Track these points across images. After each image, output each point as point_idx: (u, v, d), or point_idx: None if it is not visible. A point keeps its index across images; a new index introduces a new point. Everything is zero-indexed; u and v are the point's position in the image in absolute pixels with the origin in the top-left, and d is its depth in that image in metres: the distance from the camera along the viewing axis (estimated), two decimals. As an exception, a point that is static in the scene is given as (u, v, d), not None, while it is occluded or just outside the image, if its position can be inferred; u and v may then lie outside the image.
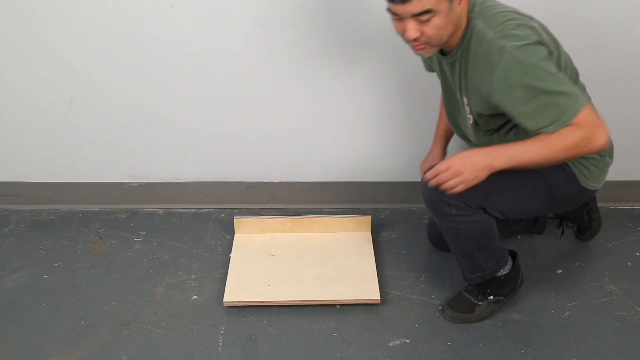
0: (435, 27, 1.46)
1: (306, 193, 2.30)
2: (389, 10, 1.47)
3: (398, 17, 1.47)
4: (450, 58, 1.60)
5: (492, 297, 1.79)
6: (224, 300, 1.85)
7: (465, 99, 1.64)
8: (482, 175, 1.50)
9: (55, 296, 1.91)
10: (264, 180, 2.29)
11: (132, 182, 2.29)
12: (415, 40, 1.48)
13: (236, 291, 1.88)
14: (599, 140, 1.46)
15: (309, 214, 2.23)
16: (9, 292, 1.93)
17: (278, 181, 2.29)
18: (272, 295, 1.87)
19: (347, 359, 1.69)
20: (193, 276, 1.99)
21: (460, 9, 1.49)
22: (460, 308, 1.79)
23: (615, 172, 2.22)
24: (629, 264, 2.01)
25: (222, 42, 2.03)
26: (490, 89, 1.49)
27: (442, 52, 1.63)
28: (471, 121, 1.68)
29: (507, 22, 1.47)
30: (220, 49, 2.05)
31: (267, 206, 2.31)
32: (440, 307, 1.84)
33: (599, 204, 2.26)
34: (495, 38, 1.46)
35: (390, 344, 1.73)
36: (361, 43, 2.01)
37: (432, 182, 1.55)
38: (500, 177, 1.52)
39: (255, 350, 1.72)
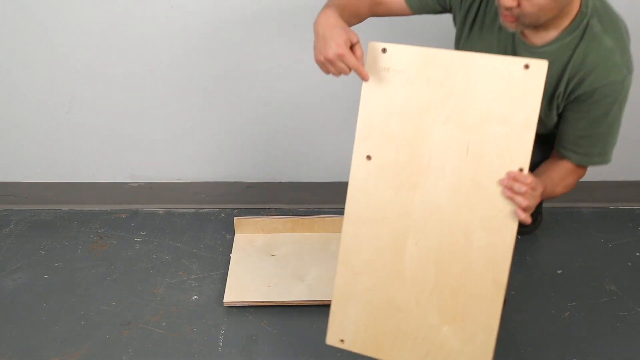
0: (537, 6, 1.26)
1: (306, 193, 2.30)
2: None
3: None
4: (541, 49, 1.40)
5: None
6: (224, 300, 1.85)
7: None
8: None
9: (55, 296, 1.91)
10: (264, 180, 2.29)
11: (132, 182, 2.29)
12: (508, 9, 1.28)
13: (236, 291, 1.88)
14: None
15: (309, 214, 2.23)
16: (9, 292, 1.93)
17: (278, 181, 2.29)
18: (272, 295, 1.87)
19: (347, 359, 1.69)
20: (193, 276, 1.99)
21: None
22: None
23: (615, 172, 2.23)
24: (629, 264, 2.01)
25: (222, 42, 2.03)
26: (580, 95, 1.39)
27: (522, 34, 1.43)
28: None
29: (623, 33, 1.39)
30: (220, 49, 2.05)
31: (267, 206, 2.32)
32: None
33: (599, 204, 2.27)
34: (615, 50, 1.35)
35: (390, 344, 1.73)
36: (361, 42, 2.01)
37: (508, 184, 1.28)
38: None
39: (255, 350, 1.72)
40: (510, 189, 1.26)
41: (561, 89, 1.42)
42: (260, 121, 2.17)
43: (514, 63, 1.24)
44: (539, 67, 1.22)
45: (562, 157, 1.49)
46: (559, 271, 1.98)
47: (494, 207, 1.29)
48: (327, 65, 1.30)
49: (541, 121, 1.46)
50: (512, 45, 1.45)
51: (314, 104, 2.13)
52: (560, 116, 1.48)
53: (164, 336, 1.77)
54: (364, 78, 1.32)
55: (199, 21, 2.00)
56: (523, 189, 1.25)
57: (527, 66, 1.23)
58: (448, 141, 1.30)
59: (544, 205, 2.22)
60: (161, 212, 2.30)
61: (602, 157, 1.47)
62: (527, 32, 1.42)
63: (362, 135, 1.35)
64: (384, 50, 1.30)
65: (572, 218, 2.22)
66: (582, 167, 1.50)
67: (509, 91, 1.24)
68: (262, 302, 1.85)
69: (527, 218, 1.27)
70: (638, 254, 2.05)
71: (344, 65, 1.28)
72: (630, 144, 2.18)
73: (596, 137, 1.43)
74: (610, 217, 2.22)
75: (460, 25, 1.54)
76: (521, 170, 1.27)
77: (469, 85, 1.27)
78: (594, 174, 2.21)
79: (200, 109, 2.15)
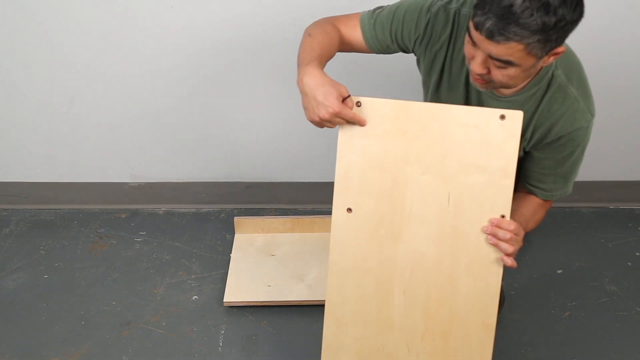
0: (507, 77, 1.27)
1: (306, 193, 2.30)
2: (468, 31, 1.25)
3: (473, 43, 1.26)
4: (508, 98, 1.41)
5: None
6: (224, 300, 1.85)
7: None
8: None
9: (55, 296, 1.91)
10: (264, 180, 2.29)
11: (132, 182, 2.29)
12: (479, 74, 1.29)
13: (236, 291, 1.88)
14: None
15: (309, 214, 2.23)
16: (9, 292, 1.93)
17: (278, 181, 2.29)
18: (272, 295, 1.87)
19: (347, 359, 1.69)
20: (193, 276, 1.99)
21: (543, 66, 1.33)
22: None
23: (615, 172, 2.23)
24: (629, 264, 2.01)
25: (222, 41, 2.03)
26: (548, 142, 1.42)
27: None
28: None
29: (585, 79, 1.42)
30: (220, 49, 2.05)
31: (267, 206, 2.32)
32: None
33: (599, 204, 2.26)
34: (579, 99, 1.39)
35: (390, 344, 1.73)
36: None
37: (492, 231, 1.30)
38: None
39: (255, 350, 1.72)
40: (495, 235, 1.29)
41: (527, 135, 1.44)
42: (260, 121, 2.17)
43: (490, 114, 1.26)
44: (515, 117, 1.25)
45: (529, 192, 1.53)
46: (559, 271, 1.98)
47: (477, 254, 1.32)
48: (324, 124, 1.30)
49: None
50: (480, 94, 1.46)
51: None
52: (525, 153, 1.50)
53: (164, 336, 1.77)
54: (362, 124, 1.31)
55: (199, 21, 2.00)
56: (507, 235, 1.28)
57: (502, 117, 1.26)
58: (428, 191, 1.31)
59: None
60: (161, 212, 2.30)
61: (563, 190, 1.51)
62: None
63: (341, 188, 1.35)
64: (358, 104, 1.30)
65: (572, 218, 2.22)
66: (548, 201, 1.54)
67: (486, 141, 1.27)
68: (262, 302, 1.85)
69: (513, 263, 1.30)
70: (638, 254, 2.05)
71: (340, 119, 1.28)
72: (630, 144, 2.18)
73: (559, 175, 1.48)
74: (610, 217, 2.22)
75: (426, 72, 1.53)
76: (503, 216, 1.29)
77: (446, 136, 1.29)
78: (594, 174, 2.22)
79: (200, 108, 2.15)
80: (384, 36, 1.49)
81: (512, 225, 1.29)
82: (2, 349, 1.73)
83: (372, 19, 1.50)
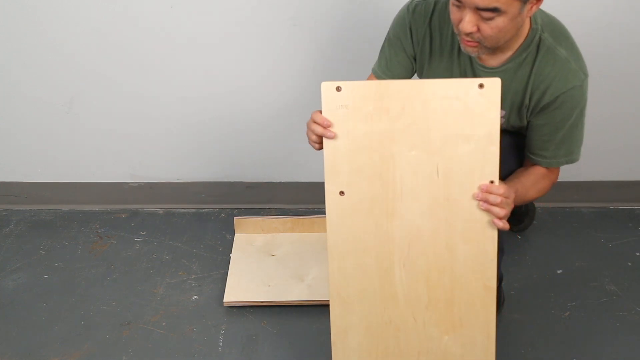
0: (496, 29, 1.32)
1: (306, 193, 2.29)
2: None
3: (458, 4, 1.32)
4: (501, 68, 1.47)
5: None
6: (224, 300, 1.85)
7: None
8: None
9: (55, 296, 1.91)
10: (264, 180, 2.29)
11: (132, 182, 2.29)
12: (468, 34, 1.34)
13: (236, 291, 1.88)
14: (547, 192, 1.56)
15: (309, 214, 2.23)
16: (9, 292, 1.93)
17: (278, 181, 2.29)
18: (272, 295, 1.87)
19: (347, 359, 1.69)
20: (193, 276, 1.99)
21: (529, 15, 1.37)
22: None
23: (615, 172, 2.23)
24: (629, 264, 2.01)
25: (222, 42, 2.04)
26: (545, 105, 1.45)
27: (479, 58, 1.49)
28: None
29: (573, 42, 1.45)
30: (220, 49, 2.05)
31: (267, 206, 2.32)
32: None
33: (599, 204, 2.26)
34: (569, 59, 1.42)
35: (390, 344, 1.73)
36: (361, 43, 2.01)
37: (483, 197, 1.33)
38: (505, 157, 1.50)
39: (255, 350, 1.72)
40: (486, 201, 1.32)
41: (526, 101, 1.48)
42: (261, 121, 2.17)
43: (469, 84, 1.29)
44: (493, 84, 1.28)
45: (533, 163, 1.55)
46: (559, 271, 1.98)
47: (471, 220, 1.35)
48: (310, 137, 1.40)
49: (517, 129, 1.57)
50: (471, 69, 1.51)
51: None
52: (527, 125, 1.54)
53: (164, 336, 1.77)
54: (331, 137, 1.35)
55: (199, 20, 2.00)
56: (498, 199, 1.31)
57: (481, 85, 1.28)
58: (417, 166, 1.34)
59: (543, 205, 2.22)
60: (161, 212, 2.30)
61: (568, 157, 1.52)
62: (484, 55, 1.47)
63: (331, 173, 1.37)
64: (338, 89, 1.32)
65: (572, 218, 2.22)
66: (552, 170, 1.55)
67: (468, 110, 1.30)
68: (262, 302, 1.85)
69: (505, 225, 1.34)
70: (638, 254, 2.05)
71: (314, 124, 1.36)
72: (630, 144, 2.18)
73: (560, 139, 1.49)
74: (610, 217, 2.22)
75: (420, 60, 1.58)
76: (492, 182, 1.33)
77: (428, 111, 1.31)
78: (594, 174, 2.22)
79: (200, 108, 2.15)
80: (394, 65, 1.59)
81: (502, 189, 1.32)
82: (2, 349, 1.73)
83: (379, 61, 1.61)
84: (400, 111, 1.31)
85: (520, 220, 2.10)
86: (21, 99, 2.14)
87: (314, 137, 1.38)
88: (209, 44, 2.04)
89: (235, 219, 2.12)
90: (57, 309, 1.87)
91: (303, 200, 2.31)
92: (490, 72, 1.47)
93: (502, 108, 1.52)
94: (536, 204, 2.16)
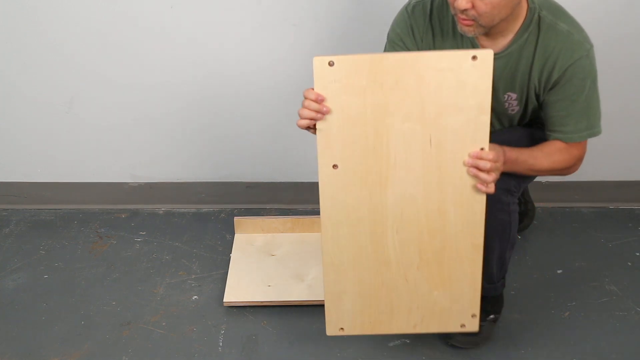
0: (490, 5, 1.35)
1: (306, 193, 2.29)
2: None
3: None
4: (504, 52, 1.50)
5: (492, 315, 1.72)
6: (224, 300, 1.85)
7: (507, 96, 1.57)
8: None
9: (55, 296, 1.91)
10: (264, 180, 2.29)
11: (132, 182, 2.29)
12: (463, 12, 1.36)
13: (236, 291, 1.88)
14: (575, 170, 1.58)
15: (309, 214, 2.23)
16: (9, 292, 1.93)
17: (278, 181, 2.29)
18: (272, 295, 1.87)
19: (347, 359, 1.69)
20: (193, 276, 1.99)
21: None
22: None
23: (615, 172, 2.23)
24: (629, 264, 2.01)
25: (222, 41, 2.04)
26: (555, 80, 1.47)
27: (481, 45, 1.52)
28: (515, 111, 1.61)
29: (572, 16, 1.48)
30: (220, 49, 2.05)
31: (267, 206, 2.32)
32: (443, 337, 1.72)
33: (599, 204, 2.26)
34: (572, 31, 1.45)
35: (390, 344, 1.73)
36: (361, 43, 2.01)
37: (473, 163, 1.37)
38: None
39: (255, 350, 1.72)
40: (476, 167, 1.36)
41: (535, 81, 1.50)
42: (260, 121, 2.17)
43: (462, 56, 1.31)
44: (486, 56, 1.30)
45: (553, 140, 1.55)
46: (559, 271, 1.98)
47: (461, 186, 1.40)
48: (303, 117, 1.35)
49: (532, 116, 1.60)
50: None
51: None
52: (541, 104, 1.55)
53: (164, 336, 1.77)
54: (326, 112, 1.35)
55: (199, 20, 2.00)
56: (488, 165, 1.35)
57: (474, 57, 1.30)
58: (410, 138, 1.37)
59: (543, 205, 2.22)
60: (161, 212, 2.30)
61: (590, 130, 1.53)
62: (485, 41, 1.50)
63: (324, 146, 1.38)
64: (330, 64, 1.31)
65: (572, 218, 2.22)
66: (575, 145, 1.54)
67: (461, 82, 1.32)
68: (262, 302, 1.85)
69: (489, 189, 1.38)
70: (638, 254, 2.05)
71: (307, 101, 1.33)
72: (630, 144, 2.18)
73: (579, 113, 1.50)
74: (610, 217, 2.22)
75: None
76: (482, 149, 1.36)
77: (422, 83, 1.33)
78: (594, 174, 2.22)
79: (200, 108, 2.15)
80: None
81: (491, 154, 1.36)
82: (2, 349, 1.73)
83: None
84: (394, 84, 1.32)
85: (520, 220, 2.10)
86: (21, 99, 2.14)
87: (308, 114, 1.34)
88: (209, 45, 2.04)
89: (235, 219, 2.12)
90: (57, 309, 1.87)
91: (303, 200, 2.31)
92: (494, 58, 1.45)
93: (512, 91, 1.54)
94: (536, 204, 2.16)
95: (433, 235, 1.46)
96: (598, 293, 1.90)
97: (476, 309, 1.55)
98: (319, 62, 1.31)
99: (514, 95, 1.57)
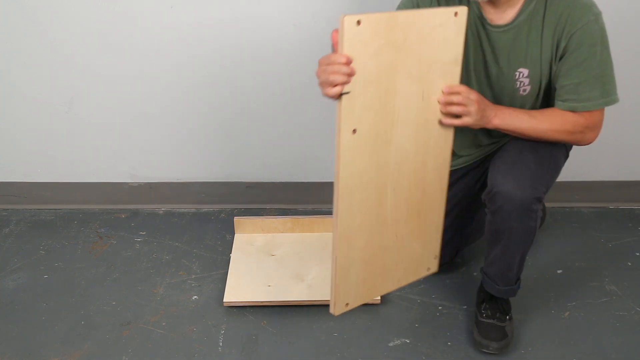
0: None
1: (306, 193, 2.30)
2: None
3: None
4: (514, 23, 1.50)
5: (508, 315, 1.72)
6: (224, 300, 1.85)
7: (519, 72, 1.55)
8: (480, 124, 1.48)
9: (55, 296, 1.91)
10: (264, 180, 2.29)
11: (132, 182, 2.29)
12: None
13: (236, 291, 1.88)
14: (592, 139, 1.55)
15: (309, 214, 2.23)
16: (9, 292, 1.93)
17: (278, 181, 2.29)
18: (272, 295, 1.87)
19: (347, 359, 1.69)
20: (193, 276, 1.99)
21: None
22: (496, 337, 1.66)
23: (615, 172, 2.23)
24: (629, 264, 2.01)
25: (222, 42, 2.04)
26: (566, 47, 1.47)
27: (490, 20, 1.53)
28: (527, 92, 1.58)
29: None
30: (220, 49, 2.05)
31: (267, 206, 2.32)
32: (475, 346, 1.69)
33: (599, 204, 2.26)
34: None
35: (391, 344, 1.73)
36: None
37: (447, 99, 1.43)
38: (540, 155, 1.52)
39: (256, 350, 1.72)
40: (449, 102, 1.42)
41: (548, 52, 1.50)
42: (261, 121, 2.17)
43: (448, 12, 1.38)
44: (462, 12, 1.38)
45: (566, 110, 1.53)
46: (559, 271, 1.98)
47: (438, 135, 1.48)
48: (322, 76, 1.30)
49: (545, 95, 1.58)
50: (484, 30, 1.56)
51: (314, 104, 2.13)
52: (554, 79, 1.55)
53: (164, 336, 1.77)
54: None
55: (200, 21, 2.00)
56: (459, 97, 1.42)
57: (456, 13, 1.38)
58: (410, 95, 1.40)
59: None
60: (161, 212, 2.30)
61: (606, 97, 1.50)
62: (493, 13, 1.51)
63: (348, 111, 1.34)
64: (358, 23, 1.27)
65: (572, 218, 2.22)
66: (589, 114, 1.51)
67: (445, 37, 1.39)
68: (262, 302, 1.85)
69: (453, 121, 1.45)
70: (638, 254, 2.05)
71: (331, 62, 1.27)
72: (630, 144, 2.18)
73: (592, 80, 1.48)
74: (610, 217, 2.22)
75: None
76: None
77: (422, 41, 1.36)
78: (594, 174, 2.22)
79: (200, 108, 2.15)
80: None
81: (462, 87, 1.43)
82: (2, 349, 1.73)
83: None
84: (403, 42, 1.34)
85: None
86: (21, 99, 2.14)
87: (341, 79, 1.26)
88: (209, 44, 2.04)
89: (235, 219, 2.12)
90: (57, 309, 1.87)
91: (303, 200, 2.31)
92: (503, 30, 1.52)
93: (523, 67, 1.54)
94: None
95: (418, 187, 1.51)
96: (598, 293, 1.90)
97: (437, 250, 1.63)
98: (349, 22, 1.25)
99: (525, 72, 1.54)
